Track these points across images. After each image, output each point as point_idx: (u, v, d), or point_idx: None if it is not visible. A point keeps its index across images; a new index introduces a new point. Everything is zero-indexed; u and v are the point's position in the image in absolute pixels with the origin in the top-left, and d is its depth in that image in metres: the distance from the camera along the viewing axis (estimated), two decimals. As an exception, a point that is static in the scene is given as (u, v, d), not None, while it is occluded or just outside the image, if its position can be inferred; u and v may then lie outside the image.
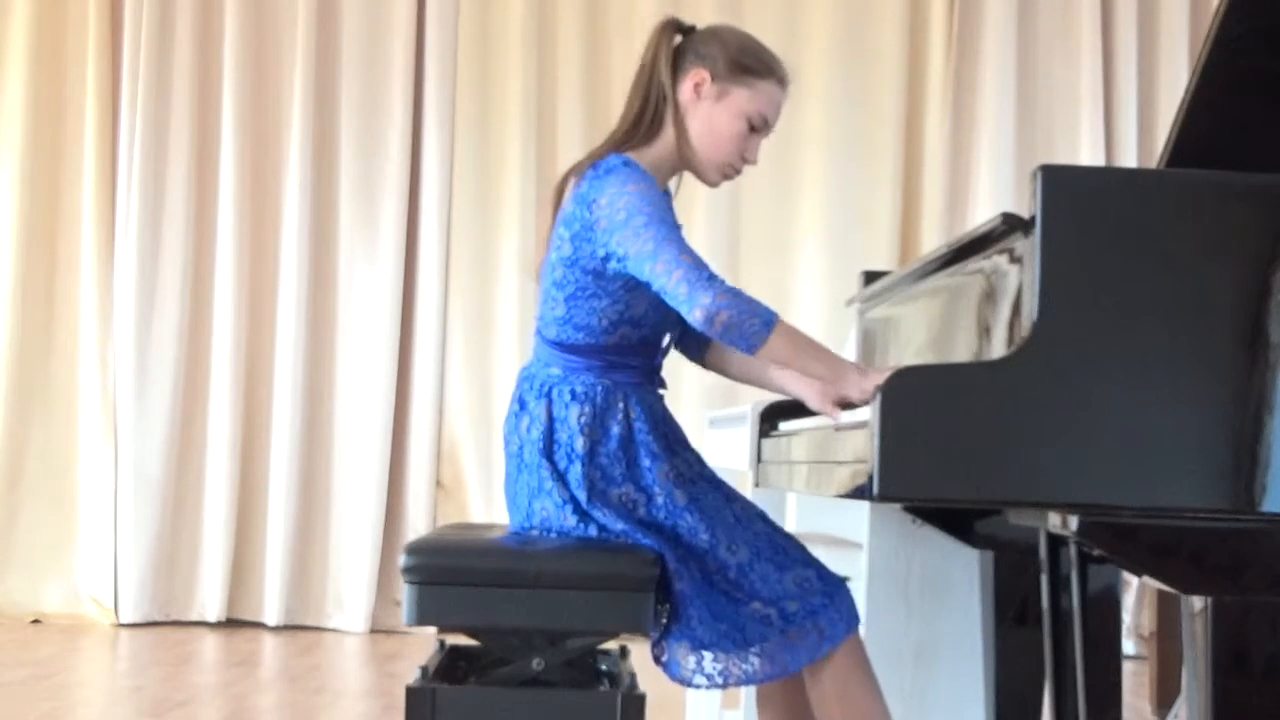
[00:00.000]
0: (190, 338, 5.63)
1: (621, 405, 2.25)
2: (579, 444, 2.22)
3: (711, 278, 2.07)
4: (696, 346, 2.51)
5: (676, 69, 2.28)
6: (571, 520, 2.22)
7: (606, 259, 2.18)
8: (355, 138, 5.65)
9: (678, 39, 2.31)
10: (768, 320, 2.05)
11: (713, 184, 2.35)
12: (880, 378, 1.83)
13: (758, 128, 2.29)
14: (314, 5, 5.63)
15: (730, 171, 2.32)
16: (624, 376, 2.26)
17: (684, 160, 2.31)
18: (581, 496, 2.21)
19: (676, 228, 2.16)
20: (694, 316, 2.06)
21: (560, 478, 2.23)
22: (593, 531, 2.21)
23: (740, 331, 2.05)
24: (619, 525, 2.18)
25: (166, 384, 5.58)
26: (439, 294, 5.66)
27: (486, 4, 5.70)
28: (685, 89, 2.28)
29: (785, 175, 5.55)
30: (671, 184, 2.38)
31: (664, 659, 2.15)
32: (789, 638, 2.14)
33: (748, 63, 2.27)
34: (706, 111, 2.27)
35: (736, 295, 2.06)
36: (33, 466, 5.64)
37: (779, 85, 2.30)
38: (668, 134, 2.29)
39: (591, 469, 2.22)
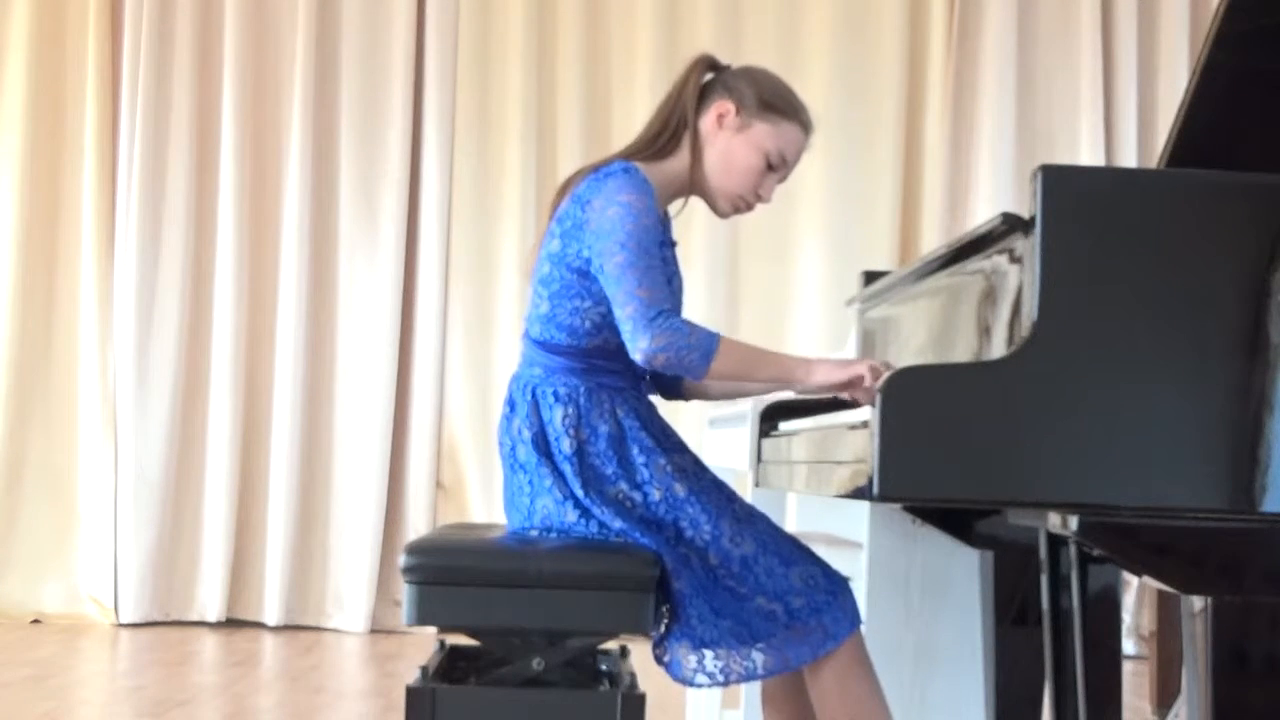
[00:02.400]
0: (190, 338, 5.63)
1: (608, 405, 2.26)
2: (565, 445, 2.23)
3: (654, 317, 2.11)
4: (667, 385, 2.48)
5: (703, 100, 2.33)
6: (572, 516, 2.22)
7: (589, 261, 2.20)
8: (355, 138, 5.64)
9: (709, 75, 2.36)
10: (706, 351, 2.10)
11: (723, 214, 2.38)
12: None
13: (775, 166, 2.33)
14: (314, 5, 5.63)
15: (742, 205, 2.35)
16: (608, 380, 2.27)
17: (695, 186, 2.35)
18: (579, 493, 2.22)
19: (651, 252, 2.16)
20: (635, 358, 2.14)
21: (558, 474, 2.23)
22: (594, 528, 2.21)
23: (680, 367, 2.12)
24: (617, 524, 2.19)
25: (166, 384, 5.58)
26: (439, 294, 5.65)
27: (487, 5, 5.69)
28: (708, 119, 2.32)
29: (785, 175, 5.54)
30: (674, 206, 2.40)
31: (666, 659, 2.16)
32: (793, 633, 2.14)
33: (775, 102, 2.32)
34: (726, 142, 2.31)
35: (674, 332, 2.10)
36: (33, 466, 5.64)
37: (802, 130, 2.35)
38: (680, 157, 2.33)
39: (584, 469, 2.23)
